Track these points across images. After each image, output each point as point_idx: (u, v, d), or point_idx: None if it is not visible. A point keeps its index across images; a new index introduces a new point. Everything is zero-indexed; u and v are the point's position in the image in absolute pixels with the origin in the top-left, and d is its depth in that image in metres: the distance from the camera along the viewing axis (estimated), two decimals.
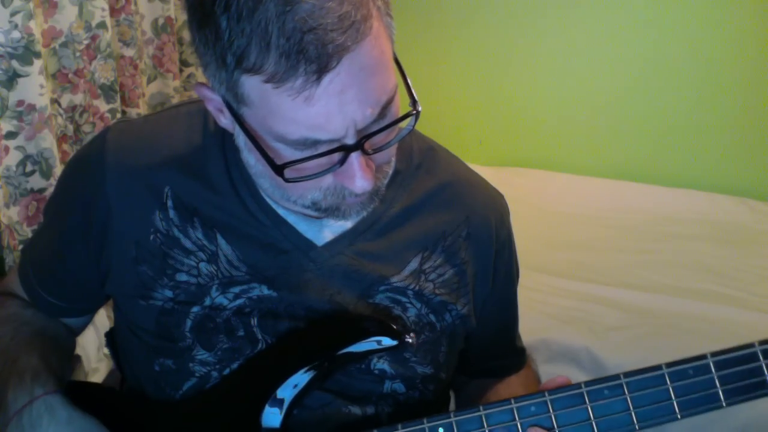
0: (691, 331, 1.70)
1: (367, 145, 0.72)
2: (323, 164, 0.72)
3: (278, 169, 0.72)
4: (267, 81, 0.66)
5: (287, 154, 0.72)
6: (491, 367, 1.07)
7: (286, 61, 0.65)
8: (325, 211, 0.79)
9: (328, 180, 0.75)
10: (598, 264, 2.06)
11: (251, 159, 0.80)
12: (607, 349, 1.65)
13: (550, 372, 1.64)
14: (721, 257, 2.11)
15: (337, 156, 0.71)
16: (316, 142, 0.70)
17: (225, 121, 0.78)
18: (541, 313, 1.78)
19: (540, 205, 2.44)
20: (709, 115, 2.54)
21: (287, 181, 0.73)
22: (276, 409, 0.81)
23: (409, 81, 0.75)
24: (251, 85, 0.68)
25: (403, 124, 0.75)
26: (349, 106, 0.68)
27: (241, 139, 0.79)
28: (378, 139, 0.74)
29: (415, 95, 0.75)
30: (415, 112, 0.74)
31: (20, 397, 0.81)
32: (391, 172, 0.83)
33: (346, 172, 0.73)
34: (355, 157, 0.72)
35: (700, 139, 2.57)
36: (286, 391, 0.81)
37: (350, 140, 0.70)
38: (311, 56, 0.64)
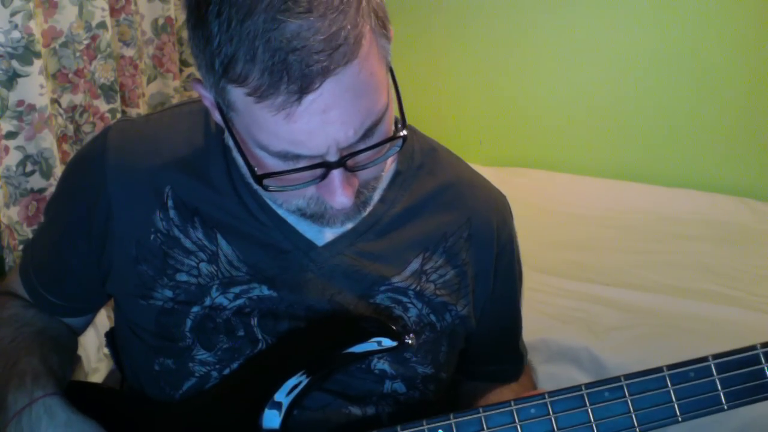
0: (691, 332, 1.70)
1: (350, 163, 0.72)
2: (305, 177, 0.72)
3: (258, 179, 0.72)
4: (249, 94, 0.66)
5: (270, 163, 0.72)
6: (487, 372, 1.06)
7: (269, 77, 0.64)
8: (310, 217, 0.79)
9: (311, 190, 0.75)
10: (598, 264, 2.06)
11: (240, 159, 0.80)
12: (607, 349, 1.65)
13: (550, 372, 1.64)
14: (721, 257, 2.10)
15: (318, 170, 0.71)
16: (297, 157, 0.70)
17: (218, 117, 0.78)
18: (541, 313, 1.77)
19: (540, 205, 2.43)
20: (709, 116, 2.53)
21: (267, 190, 0.73)
22: (275, 411, 0.81)
23: (401, 101, 0.75)
24: (236, 95, 0.68)
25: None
26: (331, 126, 0.67)
27: (230, 141, 0.79)
28: (362, 158, 0.73)
29: (405, 117, 0.75)
30: (400, 135, 0.74)
31: (20, 399, 0.81)
32: (380, 186, 0.82)
33: (327, 187, 0.73)
34: (336, 174, 0.72)
35: (700, 139, 2.57)
36: (285, 394, 0.81)
37: (332, 158, 0.70)
38: (294, 76, 0.64)
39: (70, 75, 1.80)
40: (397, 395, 0.90)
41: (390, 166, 0.91)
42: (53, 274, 0.94)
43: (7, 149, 1.61)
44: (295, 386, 0.81)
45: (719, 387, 0.76)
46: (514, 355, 1.07)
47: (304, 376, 0.81)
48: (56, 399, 0.82)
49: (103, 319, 1.67)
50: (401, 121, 0.76)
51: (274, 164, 0.72)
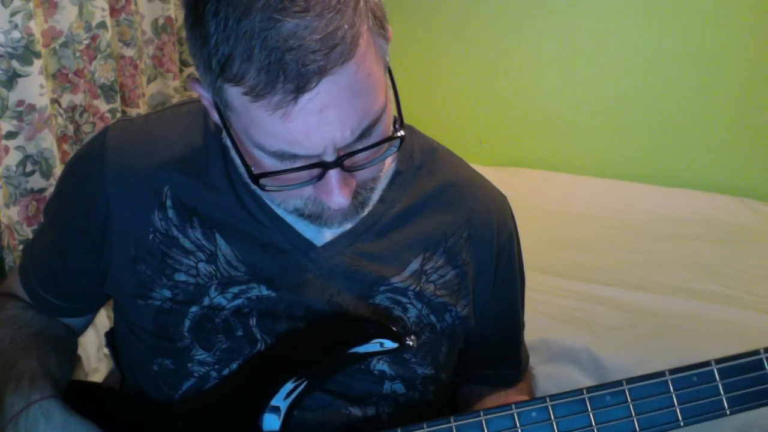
0: (691, 331, 1.69)
1: (347, 163, 0.72)
2: (302, 177, 0.72)
3: (254, 179, 0.72)
4: (246, 93, 0.66)
5: (267, 162, 0.72)
6: (486, 376, 1.06)
7: (265, 76, 0.64)
8: (308, 217, 0.79)
9: (308, 190, 0.75)
10: (598, 264, 2.06)
11: (237, 159, 0.80)
12: (607, 349, 1.65)
13: (550, 372, 1.64)
14: (721, 257, 2.10)
15: (315, 170, 0.71)
16: (294, 156, 0.70)
17: (216, 116, 0.78)
18: (541, 313, 1.77)
19: (540, 205, 2.43)
20: (709, 115, 2.53)
21: (264, 190, 0.73)
22: (274, 415, 0.81)
23: (400, 102, 0.75)
24: (233, 94, 0.68)
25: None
26: (328, 126, 0.67)
27: (228, 140, 0.78)
28: (360, 158, 0.73)
29: (402, 118, 0.75)
30: (398, 135, 0.74)
31: (17, 402, 0.81)
32: (379, 186, 0.82)
33: (323, 187, 0.73)
34: (333, 174, 0.71)
35: (700, 139, 2.57)
36: (283, 398, 0.81)
37: (329, 158, 0.70)
38: (290, 75, 0.64)
39: (70, 75, 1.80)
40: (396, 396, 0.90)
41: (389, 166, 0.91)
42: (52, 274, 0.94)
43: (7, 149, 1.61)
44: (293, 389, 0.81)
45: (722, 392, 0.76)
46: (514, 360, 1.06)
47: (303, 379, 0.81)
48: (53, 402, 0.82)
49: (103, 319, 1.67)
50: (399, 122, 0.75)
51: (271, 164, 0.71)
